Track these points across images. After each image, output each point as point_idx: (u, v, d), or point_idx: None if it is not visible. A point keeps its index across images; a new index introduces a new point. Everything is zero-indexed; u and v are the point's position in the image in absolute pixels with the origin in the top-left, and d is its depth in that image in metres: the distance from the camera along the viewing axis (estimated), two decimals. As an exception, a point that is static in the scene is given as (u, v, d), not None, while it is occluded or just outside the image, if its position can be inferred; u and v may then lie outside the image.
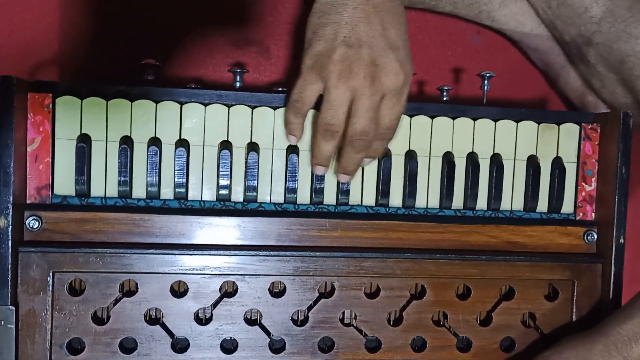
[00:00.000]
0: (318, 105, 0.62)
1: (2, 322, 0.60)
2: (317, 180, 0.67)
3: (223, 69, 0.83)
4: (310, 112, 0.66)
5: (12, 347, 0.61)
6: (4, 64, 0.81)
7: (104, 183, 0.65)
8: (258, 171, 0.66)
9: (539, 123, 0.71)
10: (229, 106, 0.66)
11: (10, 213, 0.60)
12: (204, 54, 0.83)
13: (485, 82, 0.74)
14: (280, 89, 0.71)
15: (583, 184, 0.71)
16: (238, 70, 0.70)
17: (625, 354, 0.63)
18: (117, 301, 0.64)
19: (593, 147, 0.71)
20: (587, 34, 0.78)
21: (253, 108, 0.66)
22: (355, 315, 0.68)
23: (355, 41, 0.58)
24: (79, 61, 0.82)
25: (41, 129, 0.63)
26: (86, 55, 0.82)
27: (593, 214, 0.71)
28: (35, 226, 0.63)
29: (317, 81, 0.60)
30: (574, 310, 0.70)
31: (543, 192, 0.71)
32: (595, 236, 0.71)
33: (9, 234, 0.60)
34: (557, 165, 0.70)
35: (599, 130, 0.71)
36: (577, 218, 0.71)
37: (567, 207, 0.71)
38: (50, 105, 0.63)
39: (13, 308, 0.61)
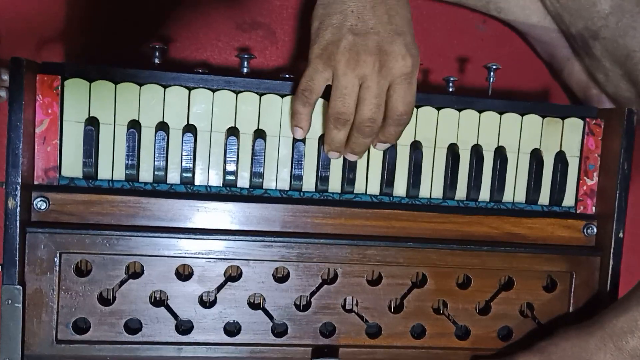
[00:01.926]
0: (326, 95, 0.62)
1: (10, 301, 0.61)
2: (323, 168, 0.67)
3: (229, 52, 0.83)
4: (320, 101, 0.66)
5: (19, 325, 0.62)
6: (10, 43, 0.80)
7: (111, 166, 0.65)
8: (265, 158, 0.67)
9: (543, 117, 0.71)
10: (237, 93, 0.66)
11: (19, 194, 0.61)
12: (210, 37, 0.83)
13: (492, 74, 0.74)
14: (287, 76, 0.71)
15: (585, 178, 0.72)
16: (245, 56, 0.71)
17: (621, 346, 0.64)
18: (122, 282, 0.65)
19: (596, 142, 0.72)
20: (593, 28, 0.78)
21: (261, 95, 0.67)
22: (357, 301, 0.69)
23: (362, 29, 0.59)
24: (84, 41, 0.82)
25: (50, 111, 0.63)
26: (92, 36, 0.81)
27: (593, 208, 0.72)
28: (42, 207, 0.63)
29: (326, 70, 0.60)
30: (572, 301, 0.72)
31: (545, 185, 0.71)
32: (595, 230, 0.72)
33: (17, 214, 0.61)
34: (560, 159, 0.71)
35: (602, 126, 0.72)
36: (578, 211, 0.72)
37: (569, 200, 0.72)
38: (59, 87, 0.63)
39: (20, 287, 0.61)
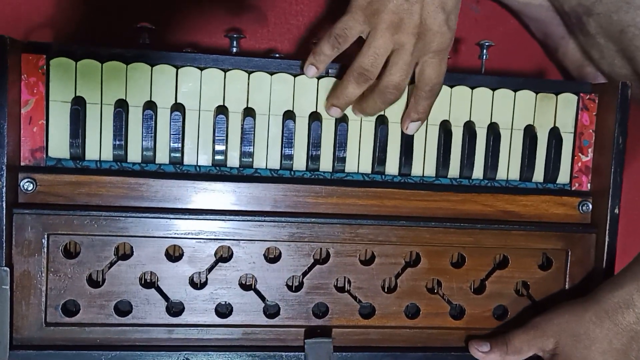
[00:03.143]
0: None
1: (-3, 283, 0.60)
2: (314, 147, 0.66)
3: (219, 35, 0.82)
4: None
5: (7, 308, 0.61)
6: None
7: (98, 146, 0.64)
8: (254, 137, 0.66)
9: (536, 93, 0.70)
10: (225, 71, 0.65)
11: (4, 175, 0.60)
12: (200, 19, 0.82)
13: (484, 51, 0.73)
14: (277, 55, 0.71)
15: (579, 154, 0.71)
16: (235, 36, 0.70)
17: (616, 321, 0.63)
18: (112, 264, 0.64)
19: (590, 117, 0.71)
20: (587, 4, 0.77)
21: (249, 73, 0.66)
22: (350, 281, 0.68)
23: None
24: (73, 24, 0.81)
25: (35, 91, 0.63)
26: (81, 18, 0.81)
27: (589, 185, 0.72)
28: (29, 188, 0.62)
29: (364, 23, 0.60)
30: (567, 279, 0.71)
31: (539, 162, 0.71)
32: (590, 206, 0.71)
33: (3, 195, 0.60)
34: (554, 136, 0.70)
35: (596, 101, 0.71)
36: (573, 188, 0.71)
37: (563, 177, 0.71)
38: (45, 67, 0.62)
39: (8, 269, 0.61)
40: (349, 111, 0.67)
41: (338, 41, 0.61)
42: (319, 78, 0.66)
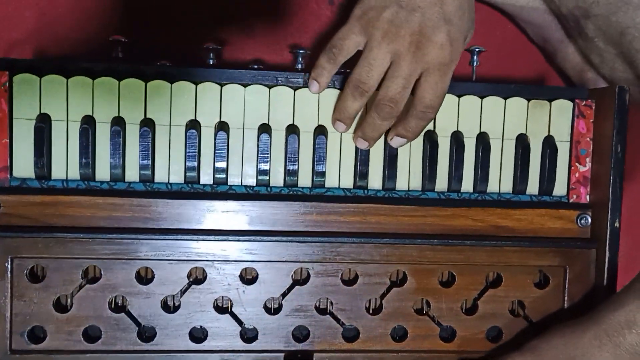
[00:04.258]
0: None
1: (-42, 309, 0.58)
2: (291, 162, 0.63)
3: (201, 50, 0.80)
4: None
5: (-31, 335, 0.58)
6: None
7: (65, 165, 0.62)
8: (228, 152, 0.63)
9: (529, 100, 0.66)
10: (196, 83, 0.62)
11: (-35, 196, 0.57)
12: (180, 32, 0.79)
13: (475, 57, 0.70)
14: (255, 67, 0.68)
15: (577, 164, 0.67)
16: (212, 47, 0.67)
17: (617, 342, 0.59)
18: (80, 287, 0.61)
19: (587, 125, 0.67)
20: (584, 6, 0.73)
21: (222, 85, 0.63)
22: (332, 303, 0.64)
23: (410, 4, 0.56)
24: (55, 39, 0.79)
25: (-2, 108, 0.60)
26: (63, 34, 0.79)
27: (587, 197, 0.67)
28: (-7, 210, 0.60)
29: (361, 34, 0.58)
30: (566, 298, 0.66)
31: (533, 174, 0.66)
32: (589, 220, 0.66)
33: (-36, 218, 0.58)
34: (549, 145, 0.66)
35: (593, 107, 0.67)
36: (570, 201, 0.67)
37: (560, 189, 0.67)
38: (7, 83, 0.60)
39: (-31, 295, 0.58)
40: (327, 122, 0.64)
41: (333, 52, 0.59)
42: (295, 89, 0.63)
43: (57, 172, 0.62)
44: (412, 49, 0.57)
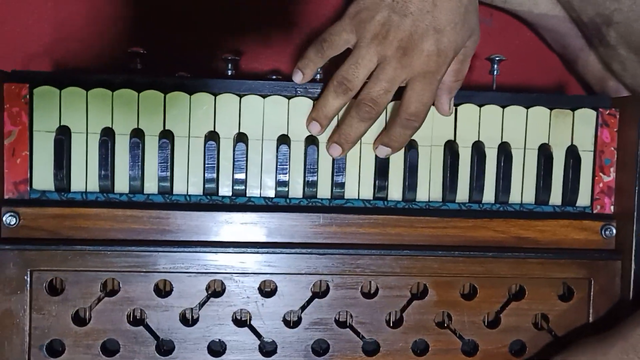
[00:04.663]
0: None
1: (-23, 323, 0.58)
2: (310, 173, 0.62)
3: (216, 59, 0.80)
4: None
5: (-12, 349, 0.58)
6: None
7: (84, 177, 0.62)
8: (247, 163, 0.62)
9: (551, 109, 0.65)
10: (215, 95, 0.62)
11: (-15, 209, 0.57)
12: (196, 43, 0.79)
13: (495, 66, 0.69)
14: (273, 77, 0.67)
15: (601, 174, 0.66)
16: (229, 58, 0.67)
17: (645, 359, 0.57)
18: (98, 300, 0.61)
19: (611, 134, 0.65)
20: (606, 13, 0.72)
21: (241, 96, 0.62)
22: (352, 316, 0.63)
23: (402, 9, 0.56)
24: (72, 52, 0.79)
25: (18, 121, 0.60)
26: (80, 46, 0.79)
27: (612, 207, 0.66)
28: (12, 222, 0.60)
29: (352, 32, 0.58)
30: (591, 311, 0.65)
31: (556, 184, 0.65)
32: (614, 231, 0.65)
33: (-17, 231, 0.58)
34: (572, 155, 0.65)
35: (617, 116, 0.65)
36: (594, 211, 0.66)
37: (583, 199, 0.66)
38: (28, 96, 0.60)
39: (-12, 308, 0.58)
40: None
41: (323, 46, 0.58)
42: (314, 100, 0.62)
43: (77, 184, 0.61)
44: (399, 55, 0.56)
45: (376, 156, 0.63)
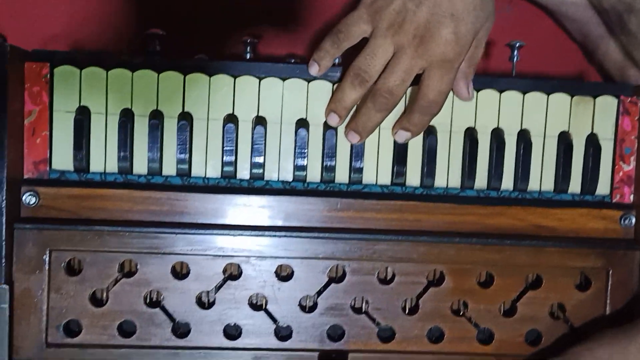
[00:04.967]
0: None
1: (-4, 301, 0.58)
2: (328, 157, 0.62)
3: (236, 42, 0.79)
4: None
5: (6, 328, 0.58)
6: (14, 36, 0.78)
7: (103, 158, 0.62)
8: (265, 147, 0.62)
9: (572, 96, 0.65)
10: (235, 77, 0.62)
11: (5, 188, 0.57)
12: (211, 27, 0.79)
13: (515, 52, 0.68)
14: (292, 60, 0.67)
15: (621, 163, 0.65)
16: (249, 40, 0.67)
17: (665, 351, 0.57)
18: (116, 282, 0.61)
19: (632, 122, 0.65)
20: (627, 0, 0.71)
21: (261, 79, 0.62)
22: (368, 302, 0.63)
23: None
24: (90, 33, 0.79)
25: (38, 101, 0.60)
26: (98, 28, 0.79)
27: (631, 197, 0.65)
28: (32, 202, 0.60)
29: (368, 23, 0.57)
30: (608, 301, 0.64)
31: (576, 172, 0.65)
32: (634, 220, 0.64)
33: (3, 209, 0.58)
34: (592, 143, 0.64)
35: (639, 104, 0.65)
36: (614, 200, 0.65)
37: (603, 188, 0.65)
38: (48, 75, 0.60)
39: (7, 287, 0.58)
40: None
41: (338, 37, 0.58)
42: (333, 83, 0.62)
43: (96, 165, 0.61)
44: (415, 44, 0.56)
45: (395, 142, 0.63)
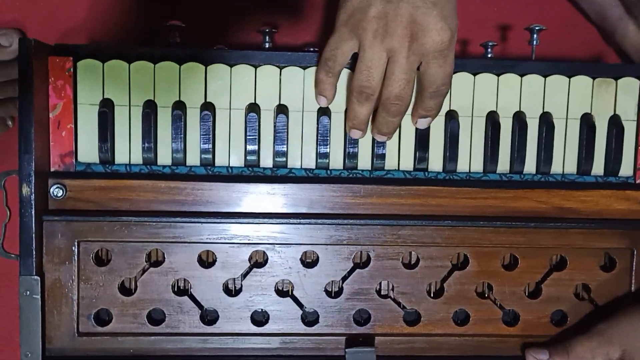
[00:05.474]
0: (354, 65, 0.57)
1: (28, 292, 0.59)
2: (350, 144, 0.62)
3: (253, 32, 0.80)
4: (345, 72, 0.61)
5: (39, 317, 0.59)
6: (33, 31, 0.79)
7: (128, 149, 0.62)
8: (288, 135, 0.62)
9: (593, 78, 0.64)
10: (255, 67, 0.62)
11: (33, 181, 0.58)
12: (227, 17, 0.79)
13: (535, 35, 0.68)
14: (311, 49, 0.67)
15: (644, 144, 0.65)
16: (267, 30, 0.67)
17: (691, 329, 0.57)
18: (144, 271, 0.62)
19: (655, 103, 0.65)
20: (648, -20, 0.71)
21: (281, 68, 0.62)
22: (393, 286, 0.64)
23: None
24: (108, 26, 0.79)
25: (63, 94, 0.61)
26: (116, 20, 0.79)
27: (655, 177, 0.65)
28: (59, 194, 0.61)
29: (352, 38, 0.56)
30: (633, 281, 0.65)
31: (598, 154, 0.65)
32: (657, 201, 0.64)
33: (32, 202, 0.58)
34: (615, 124, 0.64)
35: (661, 85, 0.64)
36: (637, 181, 0.65)
37: (626, 169, 0.65)
38: (72, 69, 0.61)
39: (38, 278, 0.59)
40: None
41: (329, 66, 0.58)
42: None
43: (120, 156, 0.62)
44: (407, 43, 0.54)
45: (417, 128, 0.63)
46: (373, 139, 0.63)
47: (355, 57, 0.57)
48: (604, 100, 0.64)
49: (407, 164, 0.64)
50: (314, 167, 0.63)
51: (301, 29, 0.81)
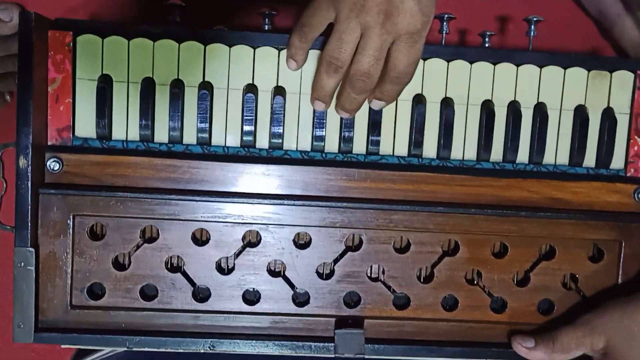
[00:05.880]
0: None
1: (22, 263, 0.59)
2: (346, 129, 0.63)
3: (254, 15, 0.80)
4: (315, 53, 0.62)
5: (33, 289, 0.60)
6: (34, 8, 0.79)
7: (125, 126, 0.63)
8: (284, 117, 0.63)
9: (588, 70, 0.65)
10: (254, 48, 0.63)
11: (30, 153, 0.59)
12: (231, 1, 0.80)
13: (532, 27, 0.68)
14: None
15: (636, 137, 0.66)
16: (267, 12, 0.67)
17: (675, 320, 0.58)
18: (138, 247, 0.62)
19: (649, 97, 0.65)
20: (647, -24, 0.71)
21: (280, 50, 0.63)
22: (384, 270, 0.64)
23: None
24: (106, 3, 0.79)
25: (62, 68, 0.61)
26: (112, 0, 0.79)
27: (646, 171, 0.66)
28: (56, 168, 0.61)
29: (329, 9, 0.56)
30: (620, 273, 0.65)
31: (591, 146, 0.65)
32: (647, 194, 0.65)
33: (29, 174, 0.59)
34: (608, 117, 0.65)
35: (656, 79, 0.65)
36: (628, 174, 0.66)
37: (617, 162, 0.66)
38: (71, 44, 0.61)
39: (33, 250, 0.60)
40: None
41: (303, 31, 0.58)
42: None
43: (118, 132, 0.62)
44: (381, 20, 0.55)
45: (412, 114, 0.63)
46: (369, 124, 0.63)
47: (330, 29, 0.58)
48: (598, 92, 0.65)
49: (402, 149, 0.64)
50: (309, 149, 0.64)
51: (301, 12, 0.82)
